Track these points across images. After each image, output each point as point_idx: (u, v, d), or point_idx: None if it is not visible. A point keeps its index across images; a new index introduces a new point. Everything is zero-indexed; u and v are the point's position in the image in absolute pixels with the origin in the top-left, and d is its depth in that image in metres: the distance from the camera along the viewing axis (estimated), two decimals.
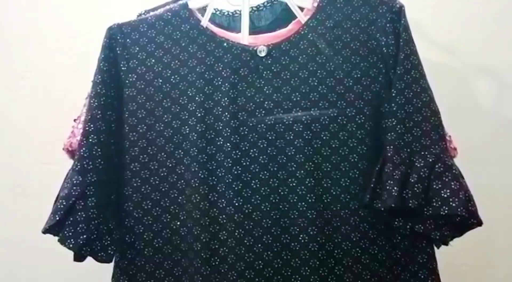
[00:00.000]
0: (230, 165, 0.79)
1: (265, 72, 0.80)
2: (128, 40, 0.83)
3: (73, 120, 0.88)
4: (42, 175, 1.22)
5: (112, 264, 0.83)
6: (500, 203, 1.14)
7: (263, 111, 0.80)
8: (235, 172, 0.79)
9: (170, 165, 0.81)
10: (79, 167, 0.79)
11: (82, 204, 0.78)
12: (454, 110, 1.09)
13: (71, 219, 0.77)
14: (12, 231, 1.24)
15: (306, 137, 0.78)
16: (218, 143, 0.80)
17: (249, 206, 0.79)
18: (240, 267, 0.77)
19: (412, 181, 0.75)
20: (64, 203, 0.77)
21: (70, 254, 0.79)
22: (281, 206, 0.79)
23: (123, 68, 0.83)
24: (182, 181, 0.81)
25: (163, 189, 0.82)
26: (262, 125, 0.79)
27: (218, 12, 0.99)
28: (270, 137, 0.79)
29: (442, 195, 0.74)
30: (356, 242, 0.78)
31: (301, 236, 0.77)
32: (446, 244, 0.78)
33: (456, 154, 0.82)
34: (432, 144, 0.77)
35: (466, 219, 0.74)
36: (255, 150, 0.79)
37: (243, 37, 0.84)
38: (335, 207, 0.79)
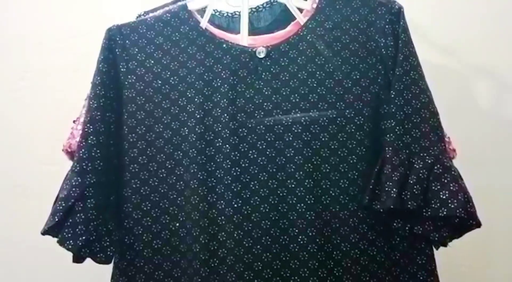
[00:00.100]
0: (229, 166, 0.79)
1: (264, 74, 0.80)
2: (127, 41, 0.83)
3: (73, 121, 0.88)
4: (42, 175, 1.22)
5: (111, 265, 0.83)
6: (500, 203, 1.14)
7: (262, 113, 0.80)
8: (234, 173, 0.79)
9: (169, 166, 0.82)
10: (78, 168, 0.79)
11: (81, 205, 0.78)
12: (454, 111, 1.09)
13: (70, 220, 0.77)
14: (12, 231, 1.25)
15: (305, 138, 0.78)
16: (217, 144, 0.80)
17: (248, 207, 0.79)
18: (239, 268, 0.77)
19: (411, 182, 0.75)
20: (63, 204, 0.77)
21: (70, 254, 0.79)
22: (280, 207, 0.79)
23: (122, 70, 0.83)
24: (181, 182, 0.81)
25: (162, 190, 0.82)
26: (261, 126, 0.79)
27: (217, 13, 0.99)
28: (269, 139, 0.79)
29: (441, 196, 0.74)
30: (355, 243, 0.78)
31: (300, 237, 0.77)
32: (445, 245, 0.78)
33: (455, 155, 0.82)
34: (431, 145, 0.77)
35: (465, 220, 0.74)
36: (254, 151, 0.79)
37: (242, 38, 0.84)
38: (334, 208, 0.78)
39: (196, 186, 0.79)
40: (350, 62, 0.80)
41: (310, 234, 0.77)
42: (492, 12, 1.14)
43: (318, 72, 0.80)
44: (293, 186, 0.78)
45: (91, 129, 0.79)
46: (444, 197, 0.74)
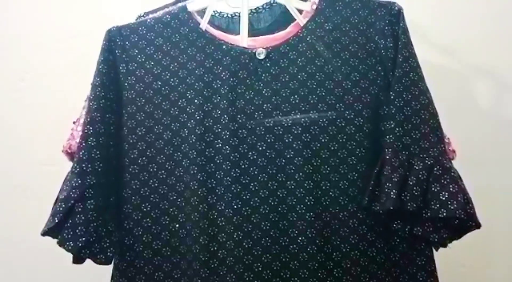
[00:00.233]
0: (229, 167, 0.79)
1: (264, 75, 0.80)
2: (127, 42, 0.83)
3: (72, 122, 0.88)
4: (42, 176, 1.22)
5: (111, 266, 0.83)
6: (500, 203, 1.15)
7: (262, 114, 0.80)
8: (234, 174, 0.79)
9: (169, 167, 0.82)
10: (78, 169, 0.79)
11: (81, 206, 0.78)
12: (454, 111, 1.09)
13: (70, 221, 0.77)
14: (12, 231, 1.25)
15: (305, 139, 0.78)
16: (217, 145, 0.80)
17: (248, 208, 0.79)
18: (239, 269, 0.77)
19: (411, 183, 0.75)
20: (63, 205, 0.77)
21: (70, 255, 0.79)
22: (280, 209, 0.79)
23: (122, 71, 0.83)
24: (181, 183, 0.81)
25: (162, 191, 0.82)
26: (261, 127, 0.79)
27: (217, 14, 1.00)
28: (269, 140, 0.79)
29: (441, 197, 0.74)
30: (355, 244, 0.78)
31: (300, 238, 0.77)
32: (445, 246, 0.78)
33: (455, 156, 0.82)
34: (430, 146, 0.77)
35: (465, 221, 0.74)
36: (254, 152, 0.79)
37: (242, 39, 0.84)
38: (334, 209, 0.78)
39: (196, 187, 0.79)
40: (349, 64, 0.80)
41: (310, 235, 0.77)
42: (492, 12, 1.14)
43: (318, 74, 0.80)
44: (293, 187, 0.78)
45: (91, 131, 0.80)
46: (443, 198, 0.74)
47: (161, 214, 0.82)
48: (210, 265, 0.78)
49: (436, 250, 0.79)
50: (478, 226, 0.75)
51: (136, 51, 0.83)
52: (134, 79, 0.83)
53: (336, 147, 0.79)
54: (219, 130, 0.80)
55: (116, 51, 0.83)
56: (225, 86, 0.80)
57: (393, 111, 0.77)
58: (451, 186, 0.74)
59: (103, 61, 0.82)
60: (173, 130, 0.81)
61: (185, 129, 0.81)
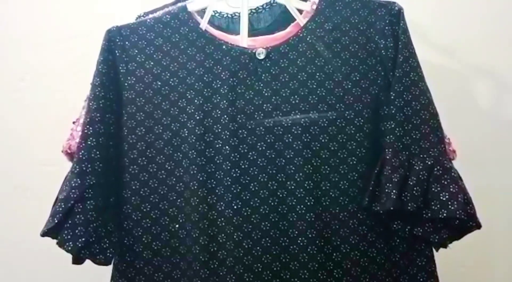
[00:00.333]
0: (229, 167, 0.79)
1: (264, 75, 0.80)
2: (127, 42, 0.83)
3: (72, 122, 0.88)
4: (42, 176, 1.22)
5: (111, 266, 0.83)
6: (500, 203, 1.15)
7: (262, 114, 0.80)
8: (234, 175, 0.79)
9: (169, 168, 0.81)
10: (78, 169, 0.79)
11: (81, 206, 0.78)
12: (454, 112, 1.09)
13: (70, 221, 0.77)
14: (12, 232, 1.25)
15: (305, 140, 0.78)
16: (217, 146, 0.80)
17: (248, 208, 0.78)
18: (239, 270, 0.77)
19: (411, 183, 0.75)
20: (63, 206, 0.77)
21: (70, 255, 0.79)
22: (280, 209, 0.79)
23: (122, 71, 0.83)
24: (181, 184, 0.81)
25: (162, 192, 0.82)
26: (261, 128, 0.79)
27: (217, 14, 1.00)
28: (269, 140, 0.79)
29: (441, 197, 0.74)
30: (355, 244, 0.78)
31: (300, 238, 0.77)
32: (445, 246, 0.78)
33: (455, 156, 0.82)
34: (431, 147, 0.77)
35: (465, 222, 0.74)
36: (254, 152, 0.79)
37: (242, 39, 0.83)
38: (334, 209, 0.78)
39: (196, 187, 0.79)
40: (350, 64, 0.79)
41: (310, 235, 0.77)
42: (492, 12, 1.14)
43: (318, 74, 0.80)
44: (293, 187, 0.78)
45: (91, 131, 0.79)
46: (444, 199, 0.74)
47: (161, 214, 0.82)
48: (210, 266, 0.78)
49: (437, 250, 0.79)
50: (478, 226, 0.75)
51: (136, 51, 0.83)
52: (134, 79, 0.82)
53: (336, 147, 0.79)
54: (219, 130, 0.80)
55: (116, 51, 0.83)
56: (225, 86, 0.80)
57: (393, 111, 0.77)
58: (451, 186, 0.74)
59: (102, 61, 0.82)
60: (173, 130, 0.81)
61: (185, 130, 0.81)
